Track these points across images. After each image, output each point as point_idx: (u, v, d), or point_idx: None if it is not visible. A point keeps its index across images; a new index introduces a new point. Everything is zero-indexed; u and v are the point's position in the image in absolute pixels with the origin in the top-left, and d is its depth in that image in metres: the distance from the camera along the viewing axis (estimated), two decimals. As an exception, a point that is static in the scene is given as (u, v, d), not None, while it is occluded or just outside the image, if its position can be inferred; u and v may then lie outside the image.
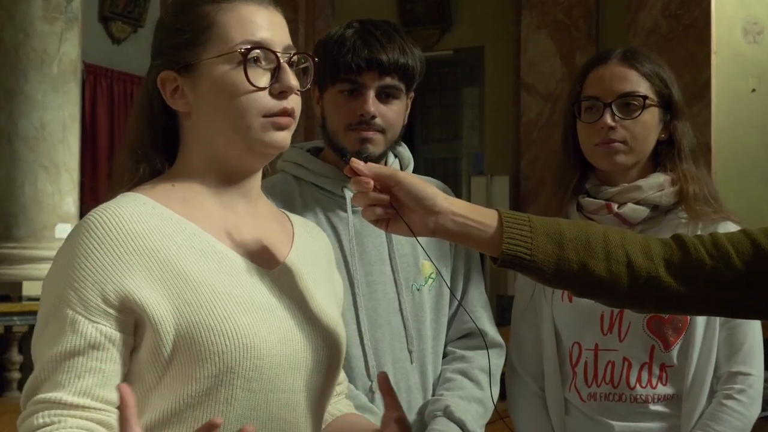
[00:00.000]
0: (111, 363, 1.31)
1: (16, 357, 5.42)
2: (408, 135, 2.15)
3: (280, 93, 1.43)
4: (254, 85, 1.41)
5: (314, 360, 1.45)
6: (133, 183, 1.45)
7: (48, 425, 1.27)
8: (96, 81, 7.60)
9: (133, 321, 1.32)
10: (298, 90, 1.46)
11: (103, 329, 1.30)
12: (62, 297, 1.31)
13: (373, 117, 1.96)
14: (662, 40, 5.88)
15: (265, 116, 1.42)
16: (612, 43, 6.03)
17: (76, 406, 1.28)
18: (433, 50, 7.53)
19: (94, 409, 1.30)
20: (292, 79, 1.44)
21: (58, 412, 1.27)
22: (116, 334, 1.31)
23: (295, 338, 1.43)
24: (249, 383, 1.36)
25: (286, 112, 1.44)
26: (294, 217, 1.65)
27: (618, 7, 6.36)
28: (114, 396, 1.31)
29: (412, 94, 2.07)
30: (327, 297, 1.56)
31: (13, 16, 5.64)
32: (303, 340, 1.44)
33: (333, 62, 1.96)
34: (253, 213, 1.52)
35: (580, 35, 6.67)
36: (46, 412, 1.27)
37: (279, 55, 1.44)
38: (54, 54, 5.69)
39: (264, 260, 1.47)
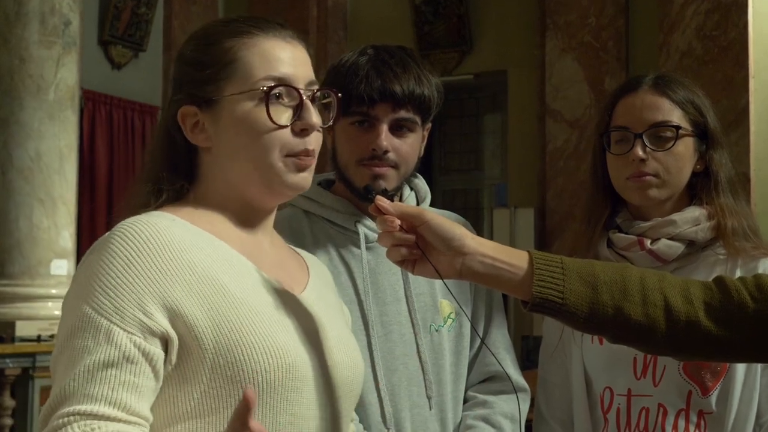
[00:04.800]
0: (145, 378, 1.32)
1: (9, 402, 5.42)
2: (426, 165, 2.16)
3: (301, 131, 1.47)
4: (276, 124, 1.45)
5: (343, 385, 1.51)
6: (156, 206, 1.49)
7: None
8: (95, 108, 7.63)
9: (169, 335, 1.34)
10: (319, 127, 1.51)
11: (138, 342, 1.32)
12: (96, 306, 1.32)
13: (386, 152, 1.96)
14: (696, 64, 5.89)
15: (287, 155, 1.47)
16: (643, 67, 6.06)
17: (112, 418, 1.29)
18: (453, 75, 7.55)
19: (129, 422, 1.30)
20: (314, 117, 1.48)
21: (94, 423, 1.28)
22: (152, 349, 1.33)
23: (328, 362, 1.48)
24: (291, 406, 1.39)
25: (308, 153, 1.48)
26: (303, 252, 1.71)
27: (649, 28, 6.37)
28: (148, 412, 1.33)
29: (428, 125, 2.07)
30: (343, 327, 1.62)
31: (7, 41, 5.69)
32: (335, 365, 1.49)
33: (344, 92, 1.97)
34: (270, 243, 1.57)
35: (609, 58, 6.69)
36: (82, 423, 1.27)
37: (302, 91, 1.48)
38: (51, 80, 5.73)
39: (287, 285, 1.52)
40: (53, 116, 5.73)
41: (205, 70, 1.49)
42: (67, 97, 5.82)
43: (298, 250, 1.70)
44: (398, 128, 1.99)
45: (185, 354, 1.35)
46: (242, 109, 1.46)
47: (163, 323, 1.33)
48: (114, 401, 1.29)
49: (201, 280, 1.38)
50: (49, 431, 1.28)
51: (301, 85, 1.49)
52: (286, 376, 1.38)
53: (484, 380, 2.10)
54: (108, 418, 1.28)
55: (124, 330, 1.31)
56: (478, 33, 7.59)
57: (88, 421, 1.27)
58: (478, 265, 1.46)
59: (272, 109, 1.45)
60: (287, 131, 1.47)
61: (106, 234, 1.39)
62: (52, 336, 5.39)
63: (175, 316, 1.34)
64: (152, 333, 1.33)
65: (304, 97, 1.48)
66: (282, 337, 1.40)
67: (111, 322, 1.31)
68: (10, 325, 5.52)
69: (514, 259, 1.47)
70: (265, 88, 1.46)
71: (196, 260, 1.39)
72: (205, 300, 1.37)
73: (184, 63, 1.54)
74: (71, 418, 1.27)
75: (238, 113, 1.46)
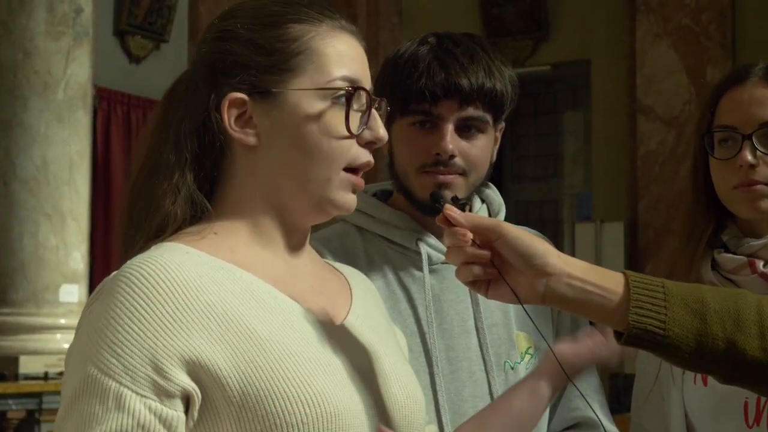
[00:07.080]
0: None
1: (12, 449, 5.48)
2: (495, 172, 2.15)
3: (367, 143, 1.49)
4: (350, 132, 1.47)
5: (403, 426, 1.51)
6: (171, 232, 1.47)
7: None
8: (110, 108, 7.72)
9: (190, 392, 1.34)
10: None
11: (154, 406, 1.32)
12: (102, 366, 1.32)
13: (452, 156, 1.96)
14: (817, 50, 5.83)
15: (347, 169, 1.48)
16: (752, 55, 6.00)
17: None
18: (526, 66, 7.56)
19: None
20: (382, 129, 1.50)
21: None
22: (170, 413, 1.33)
23: (375, 404, 1.47)
24: None
25: (368, 166, 1.50)
26: (343, 267, 1.70)
27: (759, 8, 6.33)
28: None
29: (502, 125, 2.07)
30: (396, 353, 1.61)
31: (10, 31, 5.76)
32: (389, 404, 1.49)
33: (403, 88, 1.97)
34: (306, 261, 1.58)
35: (712, 45, 6.65)
36: None
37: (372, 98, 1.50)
38: (59, 77, 5.80)
39: (328, 314, 1.52)
40: (62, 118, 5.80)
41: (266, 56, 1.48)
42: (79, 95, 5.89)
43: (337, 264, 1.70)
44: (466, 128, 1.98)
45: (209, 408, 1.35)
46: (312, 108, 1.47)
47: (182, 380, 1.33)
48: None
49: (222, 322, 1.37)
50: None
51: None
52: (328, 428, 1.37)
53: (569, 427, 2.09)
54: None
55: (137, 393, 1.31)
56: (556, 16, 7.58)
57: None
58: (565, 288, 1.45)
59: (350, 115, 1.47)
60: (354, 142, 1.48)
61: (111, 277, 1.39)
62: (61, 373, 5.44)
63: (196, 367, 1.34)
64: (169, 394, 1.33)
65: (373, 106, 1.50)
66: (321, 381, 1.39)
67: (121, 384, 1.31)
68: (13, 361, 5.55)
69: (608, 281, 1.46)
70: (349, 89, 1.47)
71: (215, 300, 1.38)
72: (229, 345, 1.36)
73: (235, 42, 1.51)
74: None
75: (306, 112, 1.47)
